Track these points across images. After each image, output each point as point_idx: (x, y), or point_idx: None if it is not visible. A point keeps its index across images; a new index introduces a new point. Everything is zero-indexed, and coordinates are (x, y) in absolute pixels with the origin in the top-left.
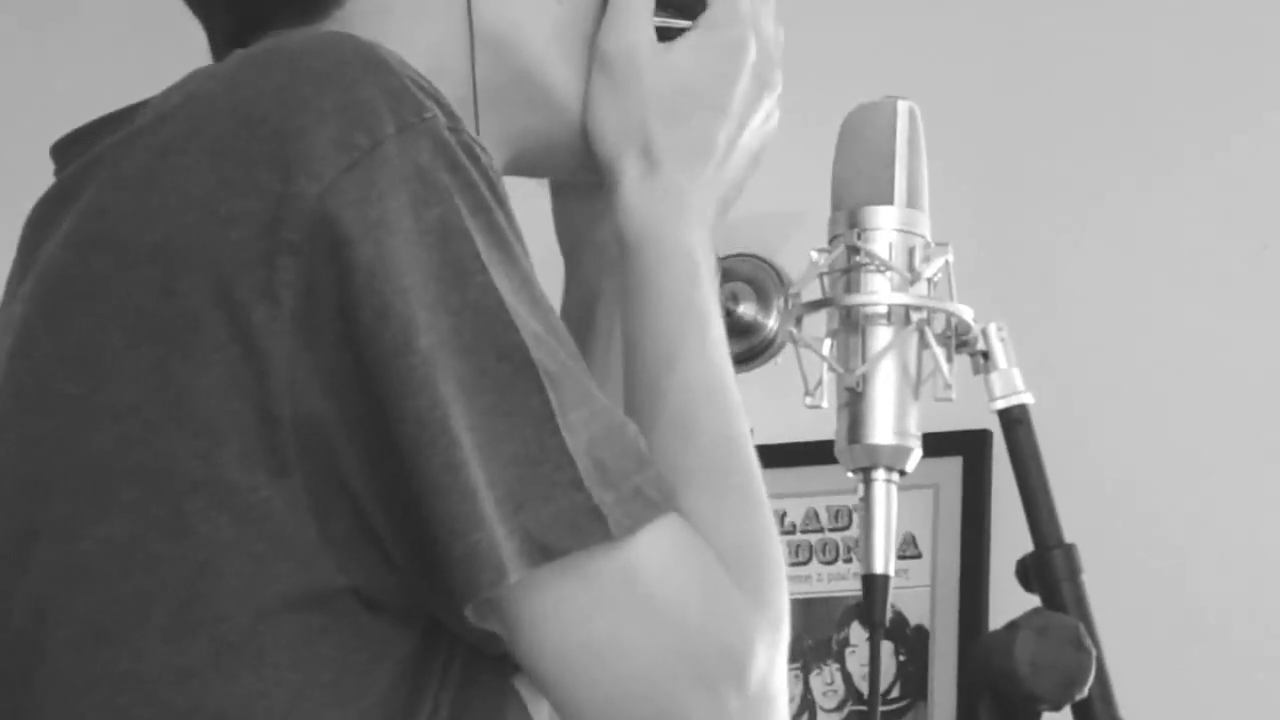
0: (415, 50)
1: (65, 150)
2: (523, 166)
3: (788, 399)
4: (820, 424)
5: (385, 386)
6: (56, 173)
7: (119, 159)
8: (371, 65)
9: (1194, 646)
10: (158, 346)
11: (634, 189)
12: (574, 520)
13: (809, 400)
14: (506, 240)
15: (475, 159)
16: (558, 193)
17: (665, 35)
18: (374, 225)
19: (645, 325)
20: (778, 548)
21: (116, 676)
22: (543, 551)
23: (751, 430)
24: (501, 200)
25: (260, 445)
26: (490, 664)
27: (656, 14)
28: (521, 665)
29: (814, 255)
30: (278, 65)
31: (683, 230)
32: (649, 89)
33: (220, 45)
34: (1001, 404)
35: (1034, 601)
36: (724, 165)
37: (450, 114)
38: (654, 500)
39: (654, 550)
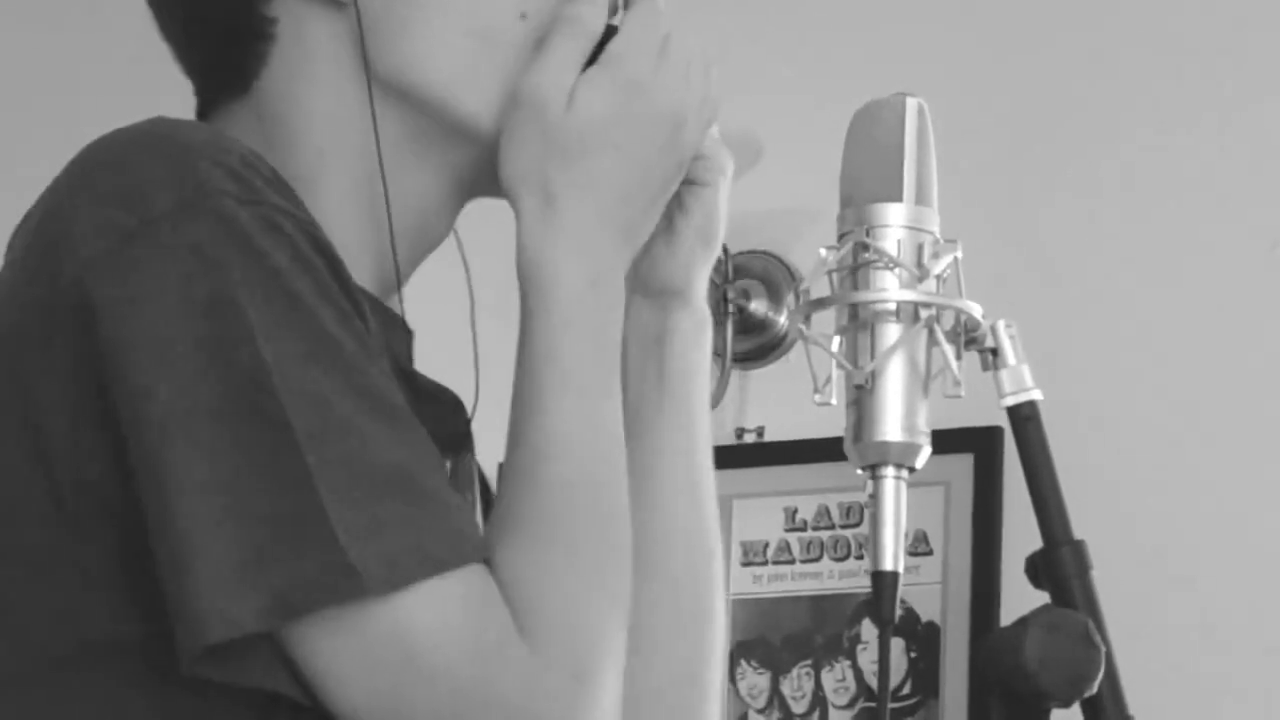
0: (330, 109)
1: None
2: (479, 191)
3: (798, 396)
4: (831, 420)
5: (131, 457)
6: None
7: (10, 247)
8: (158, 146)
9: (1203, 643)
10: None
11: (529, 229)
12: (324, 578)
13: (818, 397)
14: (301, 303)
15: (275, 228)
16: None
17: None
18: (126, 301)
19: (519, 369)
20: (595, 604)
21: None
22: (291, 608)
23: (760, 429)
24: (308, 266)
25: (52, 512)
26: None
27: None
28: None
29: (823, 252)
30: (81, 156)
31: (570, 273)
32: (554, 133)
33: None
34: (1010, 401)
35: (1045, 598)
36: (619, 204)
37: (250, 186)
38: (436, 556)
39: (428, 608)
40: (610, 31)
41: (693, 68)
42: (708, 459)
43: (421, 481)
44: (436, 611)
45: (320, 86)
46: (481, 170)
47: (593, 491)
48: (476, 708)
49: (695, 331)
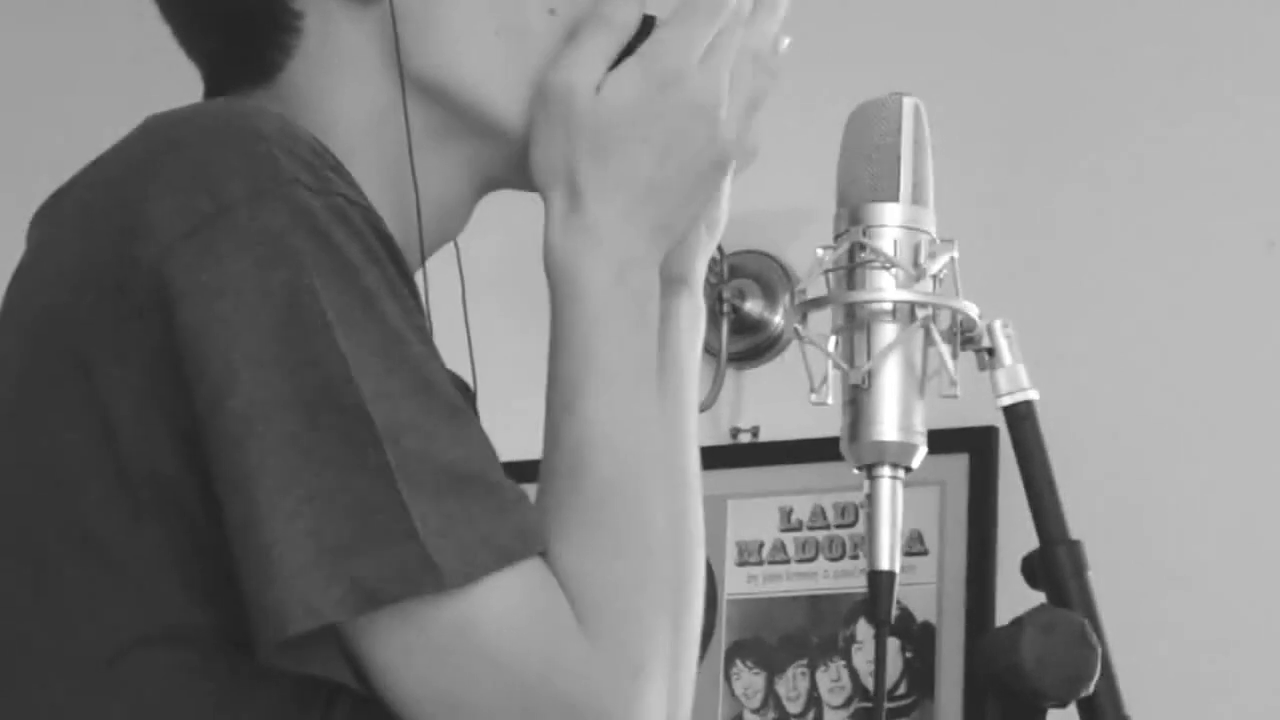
0: (357, 105)
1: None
2: (501, 184)
3: (794, 396)
4: (827, 420)
5: (206, 444)
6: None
7: (43, 222)
8: (232, 131)
9: (1200, 643)
10: (32, 409)
11: (556, 226)
12: (404, 569)
13: (814, 397)
14: (372, 298)
15: (346, 220)
16: None
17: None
18: (204, 288)
19: (553, 366)
20: (648, 598)
21: None
22: (370, 599)
23: (755, 429)
24: (376, 259)
25: (118, 497)
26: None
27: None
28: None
29: (819, 252)
30: (145, 136)
31: (596, 270)
32: (580, 125)
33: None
34: (1006, 400)
35: (1040, 598)
36: (651, 198)
37: (321, 176)
38: (505, 549)
39: (495, 600)
40: (649, 24)
41: (743, 66)
42: (695, 451)
43: (486, 475)
44: (504, 603)
45: (348, 81)
46: (506, 165)
47: (635, 487)
48: (539, 701)
49: (692, 318)
